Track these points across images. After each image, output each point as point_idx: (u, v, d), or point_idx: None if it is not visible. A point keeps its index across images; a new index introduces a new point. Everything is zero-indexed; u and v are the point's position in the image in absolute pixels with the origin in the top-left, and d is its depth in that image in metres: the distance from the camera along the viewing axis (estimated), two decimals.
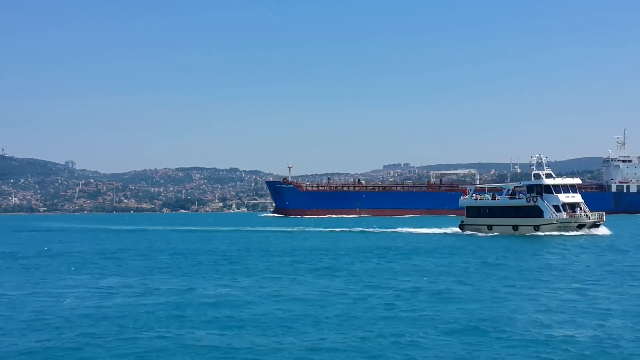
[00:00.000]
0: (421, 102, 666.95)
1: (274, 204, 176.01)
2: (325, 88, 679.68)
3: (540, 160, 67.74)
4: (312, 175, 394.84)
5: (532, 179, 65.98)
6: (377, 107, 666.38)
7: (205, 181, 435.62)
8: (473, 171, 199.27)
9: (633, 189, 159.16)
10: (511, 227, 63.60)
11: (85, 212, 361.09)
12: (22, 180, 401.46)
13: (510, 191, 66.75)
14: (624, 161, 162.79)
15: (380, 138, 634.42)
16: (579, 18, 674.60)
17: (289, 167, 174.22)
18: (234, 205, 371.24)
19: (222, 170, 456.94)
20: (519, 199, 64.53)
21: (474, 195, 71.43)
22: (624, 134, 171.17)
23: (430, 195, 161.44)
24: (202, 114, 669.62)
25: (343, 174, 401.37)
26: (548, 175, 64.81)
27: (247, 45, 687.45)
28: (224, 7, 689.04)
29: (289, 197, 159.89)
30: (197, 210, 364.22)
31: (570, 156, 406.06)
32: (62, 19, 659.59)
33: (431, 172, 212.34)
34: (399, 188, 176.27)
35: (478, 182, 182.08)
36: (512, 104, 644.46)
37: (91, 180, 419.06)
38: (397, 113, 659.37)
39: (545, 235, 59.55)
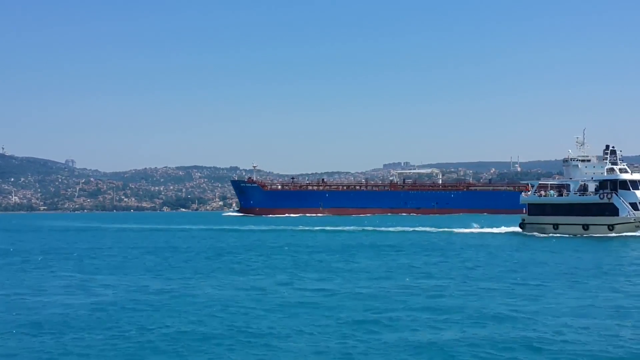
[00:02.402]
0: (421, 102, 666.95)
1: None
2: (326, 87, 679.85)
3: (614, 155, 63.30)
4: (312, 174, 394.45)
5: (605, 173, 61.23)
6: (378, 107, 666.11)
7: (206, 180, 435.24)
8: (436, 170, 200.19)
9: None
10: (581, 226, 57.94)
11: (86, 210, 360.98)
12: (22, 179, 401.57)
13: (580, 187, 61.12)
14: (582, 161, 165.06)
15: (381, 137, 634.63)
16: (581, 17, 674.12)
17: (254, 167, 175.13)
18: (234, 204, 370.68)
19: (223, 169, 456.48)
20: (591, 195, 58.71)
21: (537, 191, 64.98)
22: (584, 134, 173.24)
23: (393, 194, 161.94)
24: (202, 112, 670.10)
25: (343, 172, 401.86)
26: (622, 170, 60.06)
27: (247, 44, 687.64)
28: (225, 7, 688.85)
29: (253, 196, 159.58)
30: (197, 209, 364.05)
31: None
32: (62, 18, 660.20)
33: (393, 172, 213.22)
34: (362, 187, 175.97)
35: (440, 182, 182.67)
36: (512, 104, 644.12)
37: (91, 179, 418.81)
38: (398, 112, 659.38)
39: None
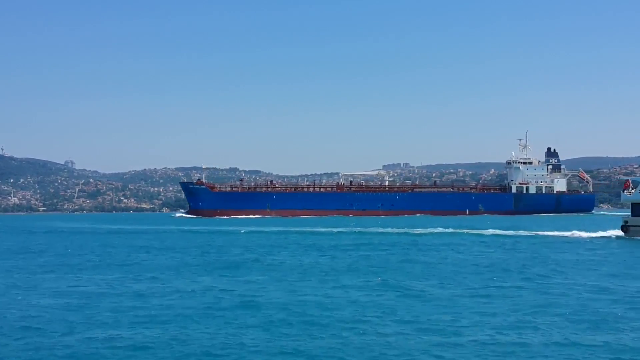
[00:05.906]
0: (421, 102, 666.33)
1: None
2: (325, 88, 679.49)
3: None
4: (311, 175, 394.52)
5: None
6: (377, 107, 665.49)
7: (205, 181, 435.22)
8: (382, 172, 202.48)
9: (532, 190, 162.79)
10: None
11: (85, 211, 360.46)
12: (21, 180, 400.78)
13: None
14: (524, 163, 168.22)
15: (380, 138, 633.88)
16: (586, 17, 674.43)
17: (204, 168, 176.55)
18: None
19: (222, 170, 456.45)
20: None
21: None
22: (526, 137, 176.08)
23: (339, 196, 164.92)
24: (201, 113, 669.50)
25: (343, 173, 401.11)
26: None
27: (246, 45, 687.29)
28: (224, 8, 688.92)
29: (201, 197, 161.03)
30: None
31: (576, 155, 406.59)
32: (62, 19, 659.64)
33: (340, 173, 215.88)
34: (310, 189, 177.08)
35: (387, 184, 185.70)
36: (512, 104, 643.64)
37: (91, 180, 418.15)
38: (397, 113, 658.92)
39: None
